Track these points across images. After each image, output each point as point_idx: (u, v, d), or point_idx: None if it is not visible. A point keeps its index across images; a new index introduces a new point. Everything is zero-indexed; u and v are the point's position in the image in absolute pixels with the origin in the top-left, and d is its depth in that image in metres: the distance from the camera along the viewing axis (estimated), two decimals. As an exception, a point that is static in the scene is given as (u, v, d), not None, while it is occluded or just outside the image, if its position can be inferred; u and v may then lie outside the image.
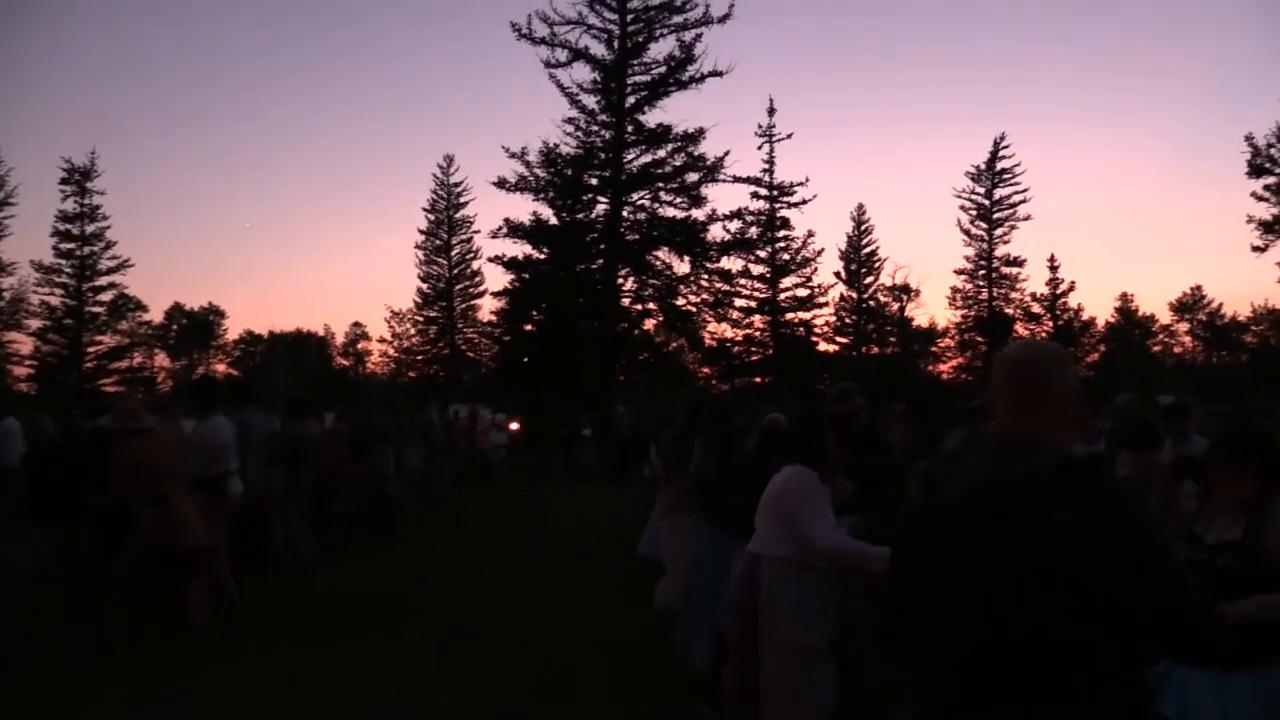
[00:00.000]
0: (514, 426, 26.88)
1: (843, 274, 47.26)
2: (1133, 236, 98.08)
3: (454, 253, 50.62)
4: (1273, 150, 25.98)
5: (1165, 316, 69.67)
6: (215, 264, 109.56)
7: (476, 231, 49.98)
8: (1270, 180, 26.18)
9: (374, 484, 12.20)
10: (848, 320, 47.38)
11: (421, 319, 51.84)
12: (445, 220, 50.48)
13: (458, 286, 50.75)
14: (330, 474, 10.87)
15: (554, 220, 30.06)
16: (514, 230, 29.70)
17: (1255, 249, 26.90)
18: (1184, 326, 69.62)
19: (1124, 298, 67.82)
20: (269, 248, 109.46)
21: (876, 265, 47.80)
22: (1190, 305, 68.53)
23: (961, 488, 2.03)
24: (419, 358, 52.41)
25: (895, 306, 49.97)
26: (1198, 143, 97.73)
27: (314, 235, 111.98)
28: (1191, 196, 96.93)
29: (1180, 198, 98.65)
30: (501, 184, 29.83)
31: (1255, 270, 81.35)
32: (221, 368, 73.73)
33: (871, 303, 48.55)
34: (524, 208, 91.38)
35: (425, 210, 50.57)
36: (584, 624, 7.58)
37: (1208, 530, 3.48)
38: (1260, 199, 26.56)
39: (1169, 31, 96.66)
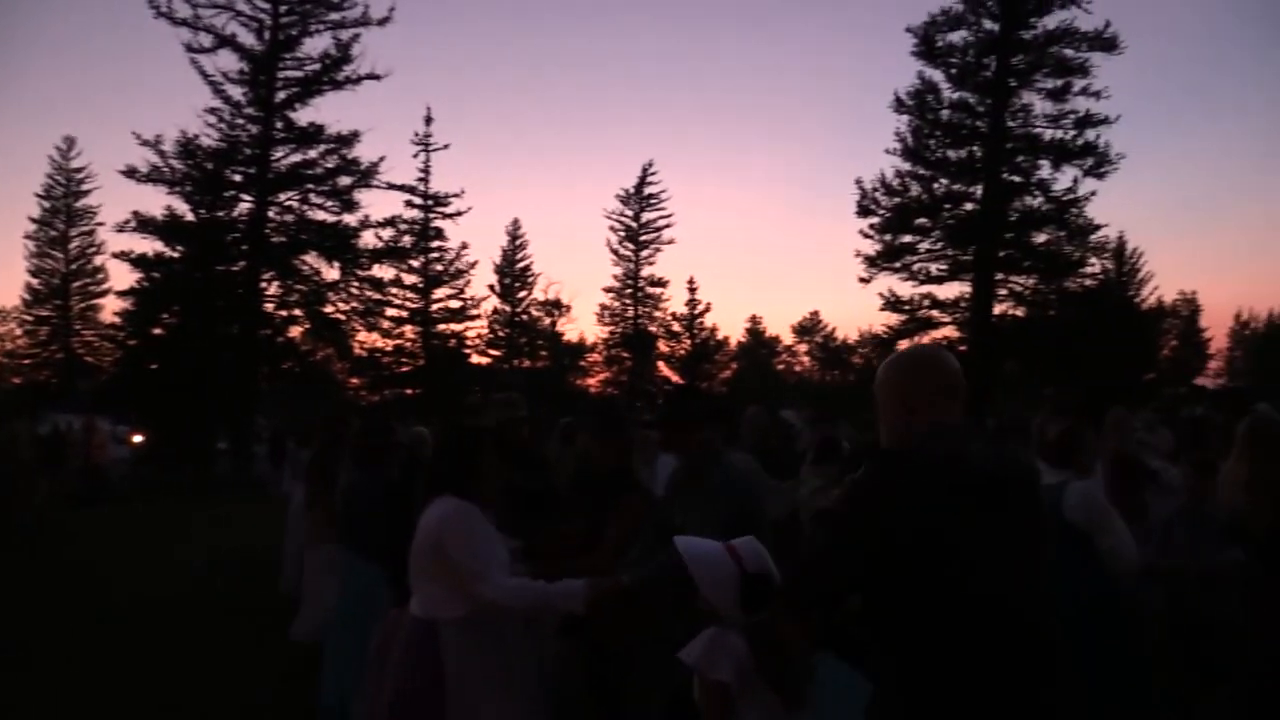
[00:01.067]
0: (137, 439, 24.64)
1: (496, 287, 47.63)
2: (764, 263, 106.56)
3: (73, 246, 45.81)
4: (877, 194, 29.15)
5: (788, 338, 76.07)
6: None
7: (101, 224, 45.11)
8: (875, 220, 29.32)
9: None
10: (500, 333, 47.74)
11: (31, 318, 46.16)
12: (63, 209, 45.54)
13: (76, 283, 45.93)
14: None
15: (191, 216, 27.85)
16: (144, 225, 27.17)
17: (862, 280, 29.89)
18: (804, 347, 76.15)
19: (754, 319, 73.46)
20: None
21: (530, 280, 48.60)
22: (809, 328, 75.13)
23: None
24: (25, 361, 46.67)
25: (547, 321, 51.00)
26: (819, 181, 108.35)
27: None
28: (813, 229, 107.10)
29: (803, 230, 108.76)
30: (131, 173, 27.30)
31: (862, 299, 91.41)
32: None
33: (524, 317, 49.22)
34: (157, 201, 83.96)
35: (39, 196, 45.35)
36: (206, 663, 6.88)
37: None
38: (866, 236, 29.66)
39: (802, 76, 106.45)
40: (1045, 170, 28.31)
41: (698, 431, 3.99)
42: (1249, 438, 3.99)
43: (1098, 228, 28.72)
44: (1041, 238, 28.90)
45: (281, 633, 7.08)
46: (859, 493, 2.14)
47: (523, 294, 48.44)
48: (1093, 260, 29.77)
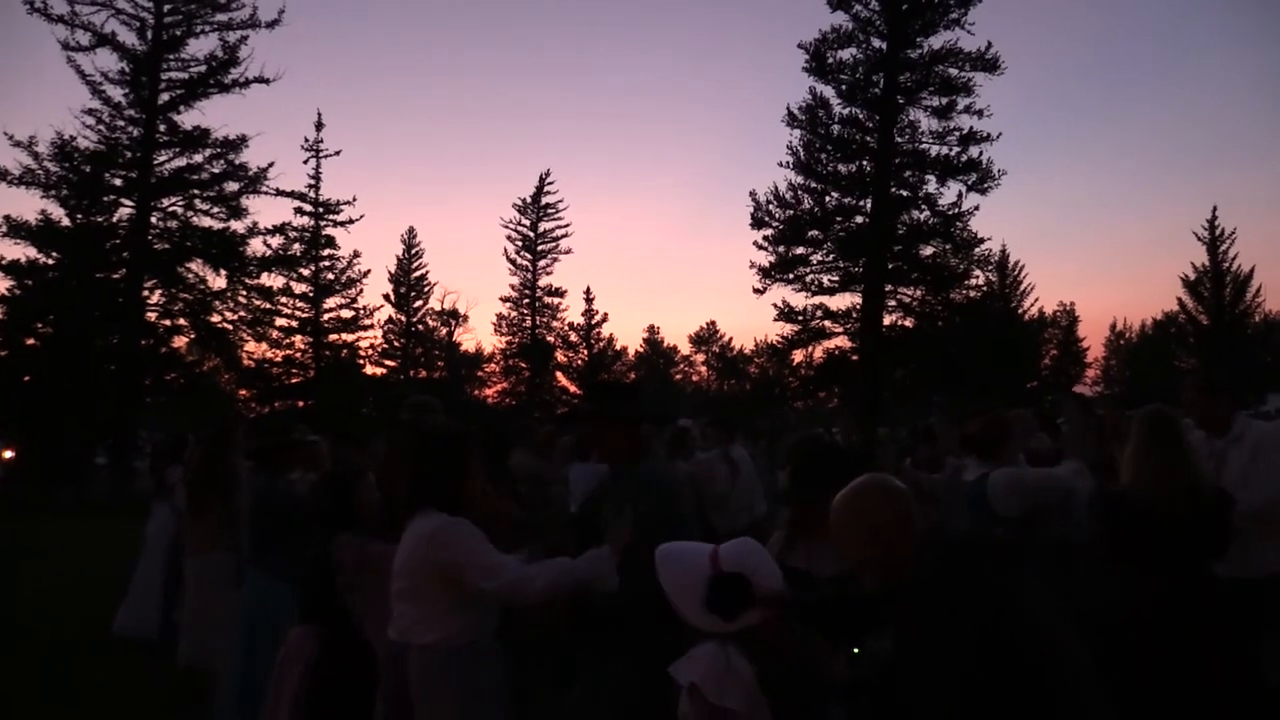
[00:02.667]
0: (8, 455, 23.50)
1: (391, 296, 46.91)
2: (662, 274, 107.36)
3: (-66, 250, 43.38)
4: (771, 206, 29.61)
5: (686, 347, 76.75)
6: None
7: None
8: (768, 232, 29.79)
9: None
10: (395, 343, 47.00)
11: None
12: (-76, 212, 43.08)
13: (-63, 290, 43.41)
14: None
15: (67, 221, 26.77)
16: (16, 230, 25.98)
17: (756, 291, 30.32)
18: (701, 357, 76.98)
19: (651, 329, 74.00)
20: None
21: (426, 289, 48.01)
22: (706, 338, 75.98)
23: None
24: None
25: (444, 331, 50.43)
26: (717, 192, 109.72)
27: None
28: (710, 240, 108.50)
29: (701, 241, 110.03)
30: (2, 176, 26.14)
31: (758, 310, 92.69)
32: None
33: (420, 327, 48.58)
34: (30, 205, 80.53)
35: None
36: (81, 696, 6.51)
37: (816, 565, 3.12)
38: (761, 248, 30.12)
39: (699, 88, 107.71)
40: (931, 185, 29.21)
41: (635, 429, 3.62)
42: (1148, 424, 4.15)
43: (981, 241, 29.75)
44: (928, 250, 29.77)
45: (163, 657, 6.71)
46: None
47: (418, 303, 47.83)
48: (976, 272, 30.82)
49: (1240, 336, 47.45)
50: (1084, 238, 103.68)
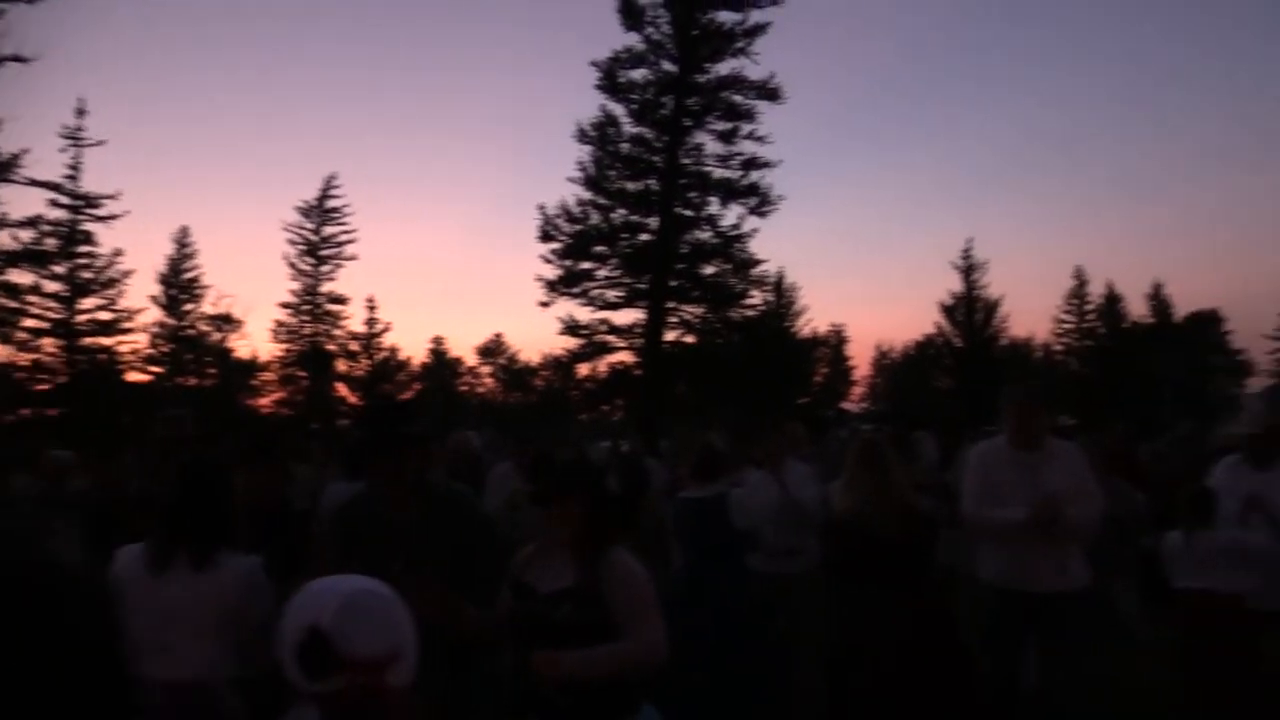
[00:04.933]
0: None
1: (160, 298, 44.13)
2: (449, 284, 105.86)
3: None
4: (558, 220, 29.83)
5: (472, 359, 75.94)
6: None
7: None
8: (556, 245, 29.97)
9: None
10: (162, 349, 44.23)
11: None
12: None
13: None
14: None
15: None
16: None
17: (542, 304, 30.41)
18: (487, 369, 76.39)
19: (437, 340, 72.81)
20: None
21: (198, 292, 45.42)
22: (493, 350, 75.49)
23: None
24: None
25: (217, 336, 47.85)
26: (505, 204, 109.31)
27: None
28: (499, 251, 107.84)
29: (489, 252, 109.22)
30: None
31: (544, 323, 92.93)
32: None
33: (191, 331, 45.91)
34: None
35: None
36: None
37: (541, 578, 3.07)
38: (547, 261, 30.25)
39: (490, 99, 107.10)
40: (714, 206, 30.16)
41: (412, 457, 3.31)
42: (858, 452, 4.43)
43: (759, 262, 30.91)
44: (709, 270, 30.69)
45: None
46: None
47: (190, 307, 45.17)
48: (754, 292, 31.93)
49: (990, 358, 51.50)
50: (854, 263, 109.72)
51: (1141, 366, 52.43)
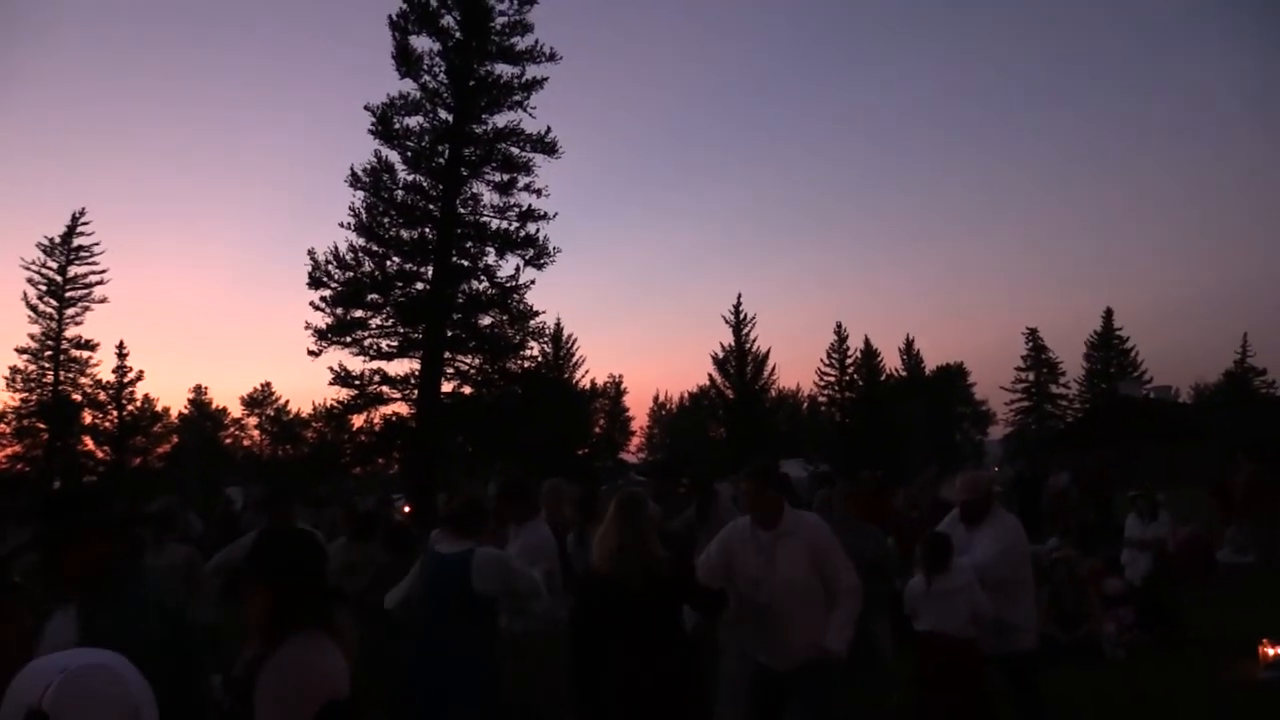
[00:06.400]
0: None
1: None
2: (213, 331, 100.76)
3: None
4: (330, 266, 28.90)
5: (237, 409, 72.31)
6: None
7: None
8: (327, 293, 28.99)
9: None
10: None
11: None
12: None
13: None
14: None
15: None
16: None
17: (312, 353, 29.28)
18: (254, 420, 72.95)
19: (198, 389, 68.96)
20: None
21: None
22: (260, 400, 72.19)
23: None
24: None
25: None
26: (273, 249, 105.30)
27: None
28: (266, 298, 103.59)
29: (256, 298, 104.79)
30: None
31: (315, 372, 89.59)
32: None
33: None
34: None
35: None
36: None
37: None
38: (318, 309, 29.17)
39: (259, 141, 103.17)
40: (491, 257, 30.08)
41: (100, 545, 2.85)
42: (616, 505, 4.40)
43: (537, 314, 30.97)
44: (486, 320, 30.51)
45: None
46: None
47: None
48: (532, 343, 31.98)
49: (759, 409, 53.62)
50: (632, 315, 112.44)
51: (895, 416, 56.04)
